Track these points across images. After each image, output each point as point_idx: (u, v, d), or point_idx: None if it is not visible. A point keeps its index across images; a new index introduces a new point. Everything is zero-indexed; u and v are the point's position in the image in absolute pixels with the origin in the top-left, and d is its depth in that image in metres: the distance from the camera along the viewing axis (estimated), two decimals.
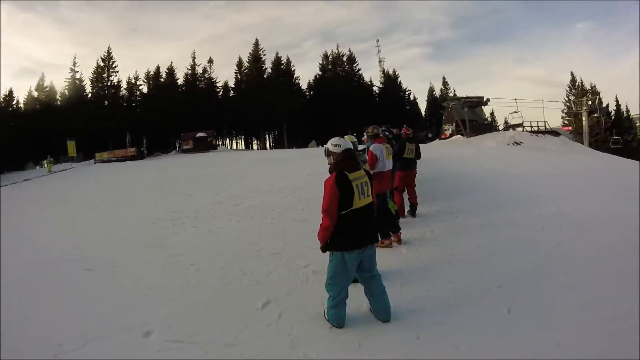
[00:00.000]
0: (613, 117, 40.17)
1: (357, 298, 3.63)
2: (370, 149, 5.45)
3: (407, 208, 7.22)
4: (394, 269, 4.59)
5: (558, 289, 3.98)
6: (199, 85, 46.32)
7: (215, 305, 3.92)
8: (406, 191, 7.24)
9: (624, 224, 6.13)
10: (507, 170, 12.93)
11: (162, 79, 45.41)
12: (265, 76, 45.57)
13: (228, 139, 49.96)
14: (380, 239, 5.40)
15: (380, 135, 5.82)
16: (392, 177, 6.81)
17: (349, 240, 3.20)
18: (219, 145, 42.07)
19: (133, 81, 45.31)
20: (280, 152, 26.06)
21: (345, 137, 4.70)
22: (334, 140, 3.43)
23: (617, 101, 43.95)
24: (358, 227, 3.20)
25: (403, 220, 6.74)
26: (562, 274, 4.30)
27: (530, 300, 3.74)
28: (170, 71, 45.86)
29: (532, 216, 6.93)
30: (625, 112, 43.92)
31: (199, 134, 36.16)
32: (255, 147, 49.81)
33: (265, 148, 47.26)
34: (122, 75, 60.00)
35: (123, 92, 45.04)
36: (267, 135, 49.35)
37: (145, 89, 45.86)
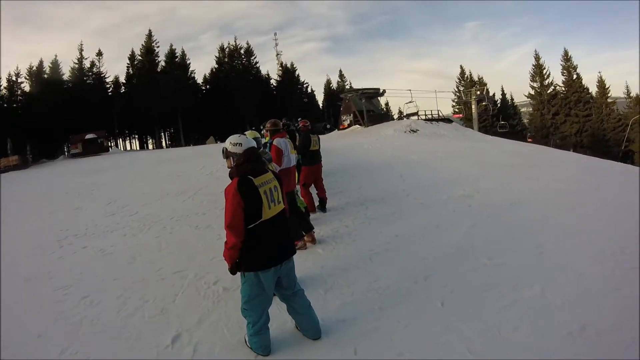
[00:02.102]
0: (499, 105, 46.77)
1: (278, 315, 3.27)
2: (274, 143, 5.12)
3: (316, 203, 7.03)
4: (313, 273, 4.32)
5: (484, 271, 4.14)
6: (86, 80, 42.16)
7: (117, 347, 3.30)
8: (313, 186, 7.07)
9: (526, 203, 6.78)
10: (408, 156, 13.70)
11: (46, 75, 40.41)
12: (158, 70, 43.53)
13: (121, 139, 46.75)
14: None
15: (282, 129, 5.51)
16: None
17: (262, 258, 2.82)
18: (111, 146, 38.95)
19: (14, 78, 39.39)
20: (176, 151, 24.46)
21: (246, 133, 4.24)
22: (234, 138, 2.98)
23: (502, 91, 51.10)
24: (271, 240, 2.85)
25: (314, 217, 6.59)
26: (484, 254, 4.51)
27: (460, 287, 3.79)
28: (55, 66, 41.09)
29: (441, 200, 7.31)
30: (510, 101, 51.15)
31: (89, 136, 33.27)
32: (150, 146, 47.33)
33: (161, 147, 45.05)
34: (2, 72, 52.43)
35: (3, 91, 38.91)
36: (162, 134, 47.30)
37: (27, 87, 40.40)
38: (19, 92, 39.98)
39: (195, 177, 11.07)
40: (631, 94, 44.61)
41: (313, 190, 7.10)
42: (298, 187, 6.92)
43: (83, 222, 7.73)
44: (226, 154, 2.98)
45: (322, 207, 7.02)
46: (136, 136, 47.89)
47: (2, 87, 38.78)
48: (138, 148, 47.15)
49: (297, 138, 7.37)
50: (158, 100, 39.56)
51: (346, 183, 9.15)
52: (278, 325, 3.22)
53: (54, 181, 14.65)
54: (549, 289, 3.61)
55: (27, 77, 40.19)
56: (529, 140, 36.86)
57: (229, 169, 2.97)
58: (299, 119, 7.91)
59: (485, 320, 3.18)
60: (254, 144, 3.00)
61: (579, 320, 3.10)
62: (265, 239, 2.81)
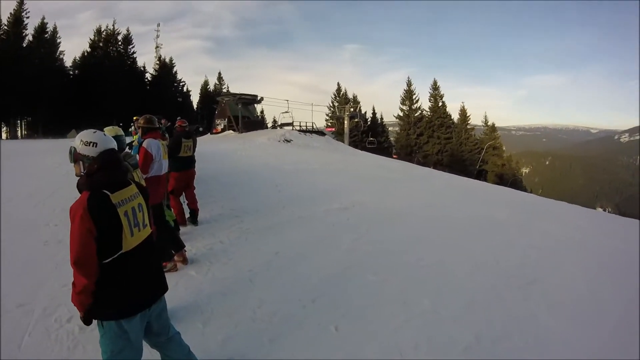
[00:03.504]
0: (369, 123, 50.58)
1: (149, 354, 2.61)
2: (144, 145, 4.32)
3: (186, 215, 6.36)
4: (186, 301, 3.73)
5: (372, 288, 4.11)
6: None
7: None
8: (184, 195, 6.37)
9: (402, 217, 7.18)
10: (283, 166, 13.69)
11: None
12: (24, 45, 36.49)
13: None
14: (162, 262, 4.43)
15: (157, 128, 4.71)
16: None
17: (124, 302, 2.13)
18: None
19: None
20: (32, 143, 20.15)
21: (106, 129, 3.43)
22: (86, 135, 2.21)
23: (373, 110, 55.43)
24: (135, 278, 2.19)
25: (184, 230, 5.97)
26: (370, 271, 4.52)
27: (351, 308, 3.67)
28: None
29: (319, 213, 7.32)
30: (379, 119, 55.65)
31: None
32: (4, 135, 39.09)
33: (15, 137, 37.64)
34: None
35: None
36: (19, 122, 39.60)
37: None
38: None
39: (50, 176, 9.14)
40: (488, 123, 52.82)
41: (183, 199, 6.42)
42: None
43: None
44: (74, 156, 2.20)
45: (194, 219, 6.37)
46: None
47: None
48: None
49: (166, 138, 6.59)
50: (19, 81, 33.32)
51: (218, 192, 8.60)
52: None
53: None
54: (437, 303, 3.75)
55: None
56: (394, 156, 40.79)
57: (78, 178, 2.22)
58: (178, 118, 7.05)
59: (384, 342, 3.11)
60: (114, 144, 2.28)
61: (472, 332, 3.26)
62: (127, 277, 2.14)
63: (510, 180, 43.30)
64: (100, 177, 2.11)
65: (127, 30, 45.11)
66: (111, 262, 2.08)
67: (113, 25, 44.20)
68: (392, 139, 55.39)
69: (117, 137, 3.29)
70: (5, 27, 36.92)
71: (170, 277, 4.28)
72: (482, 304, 3.79)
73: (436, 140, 49.66)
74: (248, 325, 3.36)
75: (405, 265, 4.70)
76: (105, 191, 2.09)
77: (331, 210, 7.52)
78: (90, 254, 2.02)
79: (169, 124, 7.79)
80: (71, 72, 41.94)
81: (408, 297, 3.87)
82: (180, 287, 4.07)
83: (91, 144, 2.16)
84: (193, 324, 3.30)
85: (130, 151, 3.44)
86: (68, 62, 42.14)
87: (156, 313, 2.31)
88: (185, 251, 4.77)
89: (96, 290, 2.08)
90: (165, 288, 2.40)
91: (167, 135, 6.69)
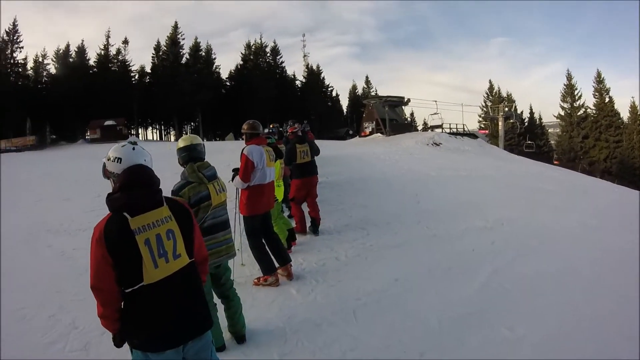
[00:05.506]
0: (526, 124, 45.51)
1: None
2: (245, 152, 4.15)
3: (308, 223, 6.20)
4: (274, 325, 3.42)
5: (500, 347, 3.15)
6: (111, 67, 43.84)
7: None
8: (305, 203, 6.21)
9: (556, 243, 5.78)
10: (427, 172, 12.75)
11: (71, 59, 42.16)
12: (182, 62, 44.57)
13: (142, 129, 48.10)
14: (263, 274, 4.30)
15: (262, 134, 4.49)
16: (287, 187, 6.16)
17: (150, 336, 1.86)
18: (131, 134, 39.70)
19: (40, 59, 41.22)
20: None
21: (182, 138, 3.26)
22: (113, 150, 1.97)
23: (531, 109, 49.83)
24: (164, 313, 1.87)
25: (302, 240, 5.76)
26: (504, 321, 3.52)
27: None
28: (81, 50, 42.73)
29: (458, 231, 6.36)
30: (537, 120, 49.84)
31: (108, 122, 34.57)
32: (173, 138, 48.13)
33: None
34: (30, 51, 56.58)
35: (29, 71, 40.85)
36: (184, 126, 48.39)
37: (53, 70, 42.08)
38: (45, 73, 41.35)
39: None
40: None
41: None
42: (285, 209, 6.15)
43: (62, 215, 7.46)
44: (104, 172, 2.00)
45: (314, 228, 6.15)
46: (157, 126, 49.26)
47: (29, 68, 40.31)
48: (158, 139, 48.19)
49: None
50: (177, 93, 40.08)
51: (350, 199, 8.30)
52: None
53: (59, 165, 14.65)
54: None
55: (54, 60, 41.44)
56: (555, 162, 35.49)
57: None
58: (289, 124, 6.82)
59: None
60: (144, 159, 1.99)
61: None
62: (153, 312, 1.85)
63: None
64: (119, 198, 1.85)
65: (274, 42, 49.60)
66: (133, 292, 1.82)
67: (260, 38, 49.10)
68: (552, 142, 48.92)
69: (192, 146, 3.09)
70: (164, 48, 44.72)
71: (269, 292, 4.13)
72: None
73: (604, 144, 42.07)
74: None
75: (551, 317, 3.51)
76: (125, 214, 1.82)
77: (472, 228, 6.49)
78: (107, 281, 1.81)
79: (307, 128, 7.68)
80: (228, 84, 47.98)
81: None
82: (275, 306, 3.82)
83: (116, 160, 1.92)
84: (269, 354, 2.98)
85: (208, 161, 3.19)
86: (224, 74, 48.38)
87: (193, 351, 1.97)
88: (291, 266, 4.50)
89: (122, 316, 1.89)
90: (207, 326, 2.03)
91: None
